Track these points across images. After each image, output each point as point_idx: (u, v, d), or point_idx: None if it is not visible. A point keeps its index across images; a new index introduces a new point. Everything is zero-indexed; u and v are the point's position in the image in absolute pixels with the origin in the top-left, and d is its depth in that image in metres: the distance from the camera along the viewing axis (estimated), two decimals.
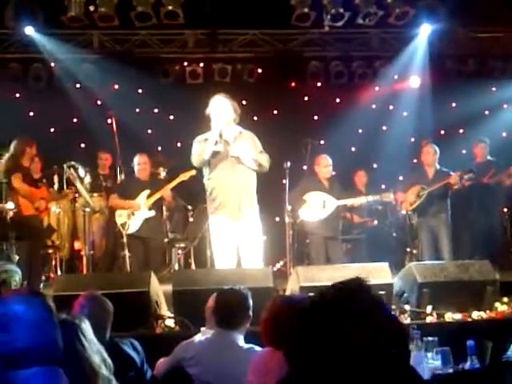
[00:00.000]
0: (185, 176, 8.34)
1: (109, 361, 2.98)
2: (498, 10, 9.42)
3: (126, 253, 8.56)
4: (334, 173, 8.92)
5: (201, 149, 6.80)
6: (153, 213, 8.58)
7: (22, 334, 2.02)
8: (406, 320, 5.98)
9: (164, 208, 8.88)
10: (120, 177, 8.93)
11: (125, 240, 8.53)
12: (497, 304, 6.34)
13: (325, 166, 8.86)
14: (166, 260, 9.23)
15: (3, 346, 1.99)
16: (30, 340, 2.02)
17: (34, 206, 8.00)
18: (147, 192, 8.58)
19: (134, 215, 8.50)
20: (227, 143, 6.80)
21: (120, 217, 8.58)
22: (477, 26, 10.20)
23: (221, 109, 6.81)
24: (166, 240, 9.03)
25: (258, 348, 4.00)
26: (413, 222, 8.99)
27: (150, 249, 8.59)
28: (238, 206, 6.76)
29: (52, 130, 10.60)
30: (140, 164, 8.76)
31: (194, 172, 7.00)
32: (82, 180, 8.43)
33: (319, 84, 10.60)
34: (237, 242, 6.80)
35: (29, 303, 2.10)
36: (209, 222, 7.11)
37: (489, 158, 9.54)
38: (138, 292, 5.97)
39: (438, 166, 8.76)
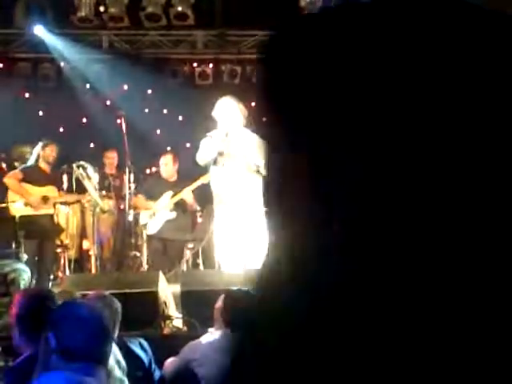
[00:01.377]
0: (205, 179, 8.24)
1: (123, 363, 3.00)
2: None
3: (137, 253, 8.57)
4: None
5: (206, 146, 6.80)
6: (174, 214, 8.59)
7: (80, 334, 2.31)
8: None
9: (187, 210, 8.86)
10: (129, 177, 8.92)
11: (144, 240, 8.59)
12: None
13: None
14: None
15: (65, 341, 2.27)
16: (85, 341, 2.31)
17: (25, 202, 8.11)
18: (171, 193, 8.59)
19: (155, 216, 8.53)
20: (234, 143, 6.79)
21: (142, 217, 8.67)
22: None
23: (228, 111, 6.80)
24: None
25: None
26: None
27: (168, 250, 8.62)
28: (244, 206, 6.75)
29: (61, 129, 10.61)
30: (163, 164, 8.86)
31: None
32: (91, 180, 8.44)
33: None
34: (243, 242, 6.78)
35: (93, 310, 2.45)
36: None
37: None
38: (147, 292, 5.97)
39: None
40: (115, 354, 2.96)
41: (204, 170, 7.52)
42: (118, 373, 2.81)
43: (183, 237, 8.82)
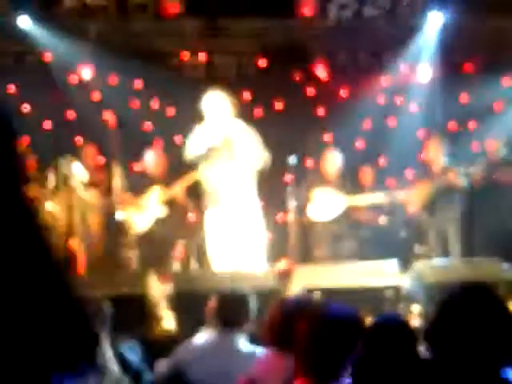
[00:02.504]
0: (195, 176, 7.91)
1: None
2: (509, 1, 9.26)
3: (128, 253, 8.37)
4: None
5: (196, 142, 6.76)
6: (164, 211, 8.31)
7: None
8: (414, 321, 5.81)
9: (177, 206, 8.63)
10: (117, 171, 8.67)
11: (134, 238, 8.36)
12: (509, 305, 6.10)
13: (333, 161, 8.63)
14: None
15: None
16: None
17: None
18: (160, 189, 8.32)
19: (144, 213, 8.27)
20: (225, 138, 6.72)
21: (129, 215, 8.37)
22: (487, 17, 9.96)
23: (217, 105, 6.75)
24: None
25: (259, 350, 3.93)
26: (421, 220, 8.78)
27: (159, 248, 8.36)
28: (237, 202, 6.70)
29: (48, 124, 10.34)
30: (152, 160, 8.53)
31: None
32: (78, 176, 8.23)
33: (325, 77, 10.38)
34: (236, 241, 6.74)
35: None
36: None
37: (502, 154, 9.27)
38: (137, 293, 5.98)
39: (445, 162, 8.56)
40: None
41: (195, 166, 7.36)
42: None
43: (174, 235, 8.56)
